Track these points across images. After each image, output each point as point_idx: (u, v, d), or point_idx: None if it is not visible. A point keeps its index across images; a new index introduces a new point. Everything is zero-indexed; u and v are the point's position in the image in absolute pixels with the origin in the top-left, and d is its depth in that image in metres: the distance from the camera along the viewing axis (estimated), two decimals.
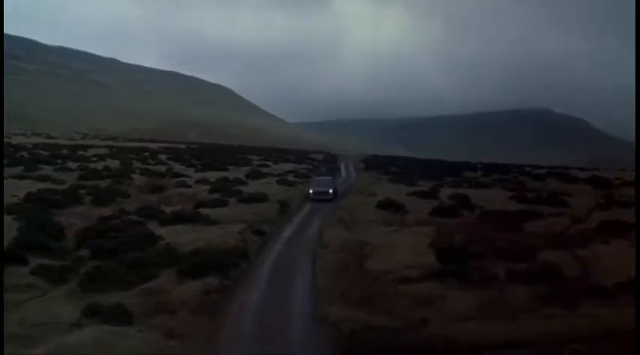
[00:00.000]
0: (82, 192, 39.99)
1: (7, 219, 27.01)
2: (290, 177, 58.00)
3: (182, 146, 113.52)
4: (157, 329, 15.31)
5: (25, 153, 71.83)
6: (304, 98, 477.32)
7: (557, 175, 68.71)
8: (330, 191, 45.62)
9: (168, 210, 32.98)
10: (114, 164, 64.34)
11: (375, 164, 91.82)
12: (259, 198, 38.64)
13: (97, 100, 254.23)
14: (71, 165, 60.16)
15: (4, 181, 37.35)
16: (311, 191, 45.51)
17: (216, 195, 40.85)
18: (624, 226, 30.42)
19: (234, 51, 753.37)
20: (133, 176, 53.00)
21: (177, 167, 66.27)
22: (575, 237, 29.18)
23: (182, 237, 25.17)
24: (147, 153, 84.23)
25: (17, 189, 38.22)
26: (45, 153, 74.95)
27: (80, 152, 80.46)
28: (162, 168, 63.02)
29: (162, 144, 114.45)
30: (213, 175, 54.79)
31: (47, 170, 54.15)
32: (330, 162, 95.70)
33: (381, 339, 14.98)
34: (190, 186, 47.68)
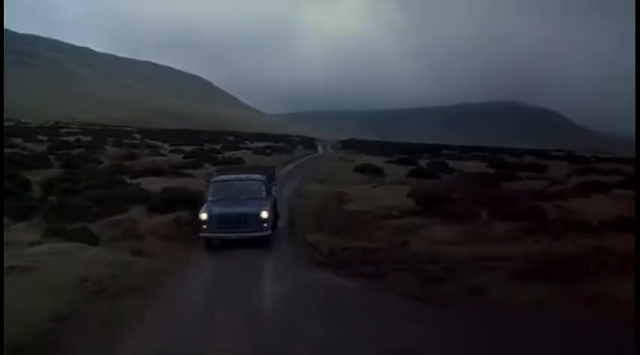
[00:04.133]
0: (51, 157, 38.73)
1: None
2: (267, 150, 57.09)
3: (157, 129, 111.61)
4: (125, 249, 14.52)
5: None
6: (279, 89, 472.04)
7: (533, 153, 68.83)
8: (264, 214, 16.65)
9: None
10: (86, 138, 62.73)
11: (353, 144, 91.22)
12: (234, 162, 37.78)
13: (70, 89, 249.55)
14: (42, 138, 58.47)
15: None
16: (204, 215, 16.58)
17: (191, 160, 39.86)
18: (602, 185, 30.44)
19: (210, 42, 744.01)
20: (106, 147, 51.63)
21: (151, 143, 64.90)
22: (556, 193, 28.90)
23: (153, 184, 24.22)
24: (120, 131, 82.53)
25: None
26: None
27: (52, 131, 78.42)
28: (136, 142, 61.63)
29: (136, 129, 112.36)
30: (188, 148, 53.67)
31: (16, 140, 52.48)
32: (307, 142, 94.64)
33: (360, 256, 14.31)
34: (164, 155, 46.58)
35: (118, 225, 17.08)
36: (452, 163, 43.58)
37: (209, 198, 17.23)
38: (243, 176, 18.93)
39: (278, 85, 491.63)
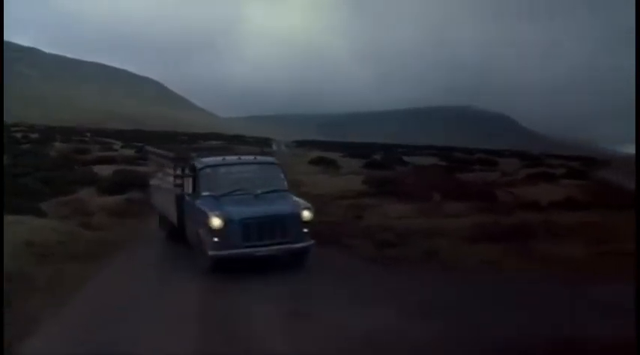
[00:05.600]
0: None
1: None
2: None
3: (108, 130, 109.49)
4: (73, 223, 14.10)
5: None
6: (232, 91, 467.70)
7: (485, 152, 70.30)
8: (306, 214, 11.23)
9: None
10: (34, 136, 61.05)
11: (308, 143, 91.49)
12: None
13: (17, 90, 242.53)
14: None
15: None
16: (217, 221, 10.72)
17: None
18: (550, 176, 31.56)
19: (160, 43, 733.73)
20: (55, 143, 50.32)
21: (102, 139, 63.57)
22: (506, 183, 29.65)
23: (104, 170, 23.72)
24: (70, 130, 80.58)
25: None
26: None
27: None
28: (86, 139, 60.30)
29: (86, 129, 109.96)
30: (141, 144, 52.79)
31: None
32: (261, 142, 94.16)
33: (317, 228, 14.27)
34: (116, 150, 45.68)
35: (67, 204, 16.61)
36: (406, 158, 44.07)
37: (203, 193, 11.47)
38: (249, 158, 12.85)
39: (231, 87, 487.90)
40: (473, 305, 8.57)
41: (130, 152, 43.44)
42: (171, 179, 12.70)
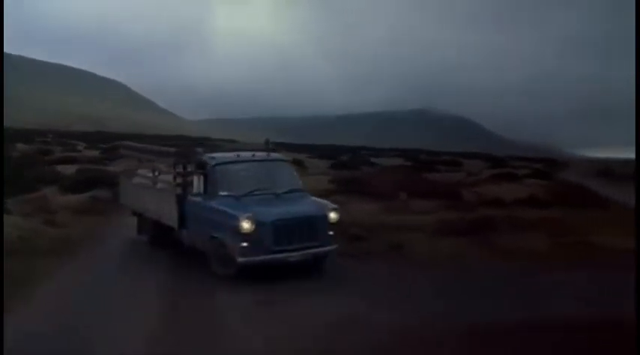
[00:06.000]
0: None
1: None
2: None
3: (72, 131, 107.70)
4: (36, 220, 13.86)
5: None
6: (198, 94, 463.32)
7: (449, 153, 71.25)
8: (332, 215, 10.63)
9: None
10: None
11: (274, 144, 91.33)
12: None
13: None
14: None
15: None
16: (247, 225, 9.76)
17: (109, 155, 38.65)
18: (514, 176, 32.22)
19: (124, 44, 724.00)
20: (17, 145, 49.21)
21: (65, 142, 62.53)
22: (471, 182, 30.14)
23: (67, 169, 23.35)
24: (31, 131, 78.95)
25: None
26: None
27: None
28: (48, 140, 59.24)
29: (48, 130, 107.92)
30: (106, 146, 52.04)
31: None
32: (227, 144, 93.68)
33: None
34: (80, 151, 44.98)
35: (30, 202, 16.30)
36: (373, 160, 44.40)
37: (221, 192, 10.39)
38: (262, 154, 11.67)
39: (198, 90, 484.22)
40: (437, 292, 8.92)
41: (94, 153, 42.87)
42: (165, 177, 12.00)
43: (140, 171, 13.42)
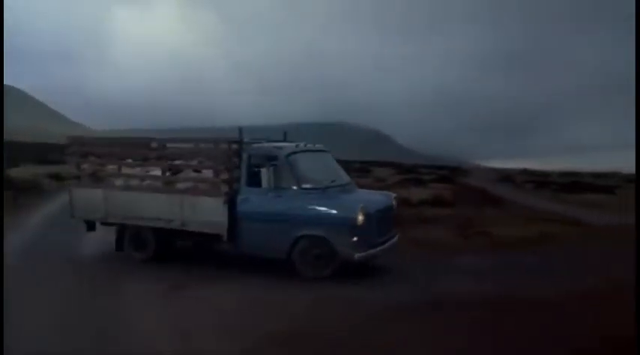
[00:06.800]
0: None
1: None
2: None
3: None
4: None
5: None
6: (102, 103, 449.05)
7: (360, 162, 72.77)
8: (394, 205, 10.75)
9: None
10: None
11: None
12: None
13: None
14: None
15: None
16: (360, 217, 9.12)
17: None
18: (420, 181, 33.78)
19: (23, 50, 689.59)
20: None
21: None
22: (380, 187, 31.25)
23: None
24: None
25: None
26: None
27: None
28: None
29: None
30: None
31: None
32: None
33: None
34: None
35: None
36: None
37: (304, 185, 9.46)
38: (312, 145, 10.69)
39: (109, 100, 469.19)
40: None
41: None
42: (189, 174, 10.41)
43: (127, 172, 11.09)
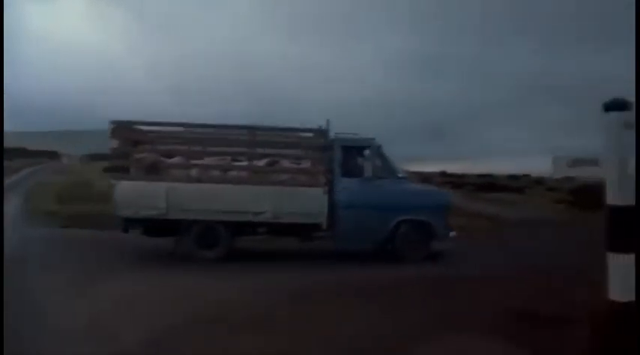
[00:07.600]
0: None
1: None
2: None
3: None
4: None
5: None
6: (21, 105, 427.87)
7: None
8: None
9: None
10: None
11: (99, 156, 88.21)
12: None
13: None
14: None
15: None
16: None
17: None
18: None
19: None
20: None
21: None
22: None
23: None
24: None
25: None
26: None
27: None
28: None
29: None
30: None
31: None
32: (49, 155, 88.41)
33: None
34: None
35: None
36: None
37: (399, 174, 10.38)
38: None
39: (20, 101, 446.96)
40: None
41: None
42: (286, 164, 10.19)
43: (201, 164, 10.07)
